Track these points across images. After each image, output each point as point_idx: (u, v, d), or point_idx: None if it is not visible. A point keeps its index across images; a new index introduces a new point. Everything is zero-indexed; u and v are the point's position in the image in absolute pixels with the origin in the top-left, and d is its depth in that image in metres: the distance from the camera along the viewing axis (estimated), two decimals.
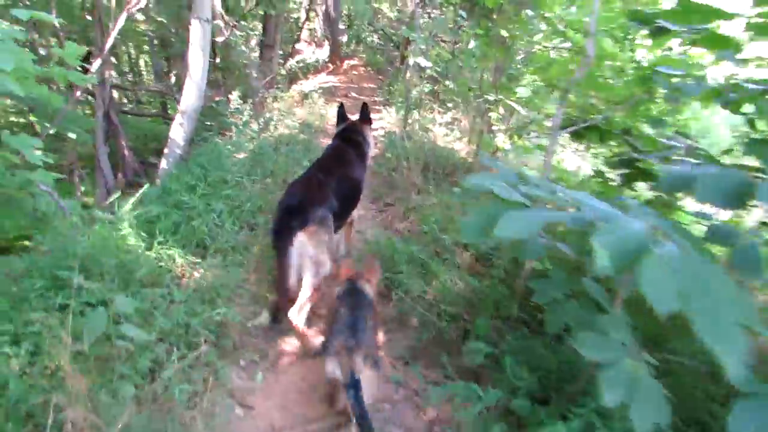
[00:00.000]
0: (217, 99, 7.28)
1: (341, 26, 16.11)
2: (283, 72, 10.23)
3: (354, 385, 2.20)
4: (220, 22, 10.22)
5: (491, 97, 5.08)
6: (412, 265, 3.59)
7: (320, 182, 3.24)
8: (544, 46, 5.30)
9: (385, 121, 8.60)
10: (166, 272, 3.26)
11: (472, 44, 5.93)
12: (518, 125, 5.47)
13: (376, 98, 10.66)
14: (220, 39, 9.90)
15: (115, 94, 13.05)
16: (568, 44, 5.78)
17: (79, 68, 3.65)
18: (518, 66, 5.60)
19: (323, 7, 16.54)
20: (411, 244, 3.81)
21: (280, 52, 11.72)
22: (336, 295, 2.71)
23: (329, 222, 3.09)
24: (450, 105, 8.56)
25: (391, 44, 13.75)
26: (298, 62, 11.82)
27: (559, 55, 5.40)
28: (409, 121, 7.00)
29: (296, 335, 3.04)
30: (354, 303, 2.55)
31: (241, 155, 5.95)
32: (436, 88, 10.20)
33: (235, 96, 7.85)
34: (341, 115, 4.35)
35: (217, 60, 12.03)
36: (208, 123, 6.94)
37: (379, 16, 18.38)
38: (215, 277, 3.35)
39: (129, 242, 3.38)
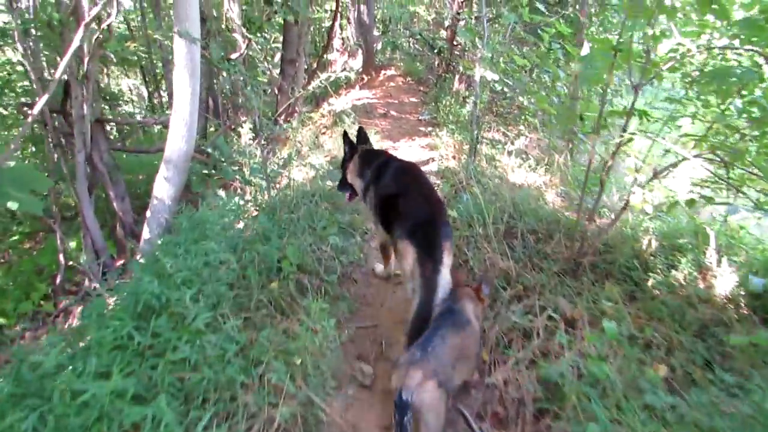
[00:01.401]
0: (212, 138, 5.29)
1: (375, 32, 14.06)
2: (309, 89, 8.18)
3: (400, 405, 1.84)
4: (237, 36, 8.28)
5: (620, 134, 2.90)
6: None
7: (434, 196, 2.98)
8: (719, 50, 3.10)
9: (437, 152, 6.45)
10: None
11: (585, 49, 3.72)
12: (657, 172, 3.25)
13: (421, 117, 8.51)
14: (235, 56, 7.97)
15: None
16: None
17: None
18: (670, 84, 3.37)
19: (355, 13, 14.51)
20: None
21: (306, 67, 9.70)
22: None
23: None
24: (522, 127, 6.35)
25: (435, 50, 11.54)
26: (327, 78, 9.76)
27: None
28: (474, 158, 4.84)
29: None
30: (440, 321, 2.26)
31: (242, 225, 3.95)
32: (489, 98, 7.98)
33: (246, 129, 5.89)
34: (351, 143, 3.70)
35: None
36: (206, 172, 4.95)
37: (415, 20, 16.21)
38: None
39: None
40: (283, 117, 7.57)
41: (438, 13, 16.72)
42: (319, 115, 8.48)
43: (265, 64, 9.94)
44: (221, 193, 5.02)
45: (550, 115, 5.30)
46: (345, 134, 3.73)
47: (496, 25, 5.74)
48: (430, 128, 7.75)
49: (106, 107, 11.34)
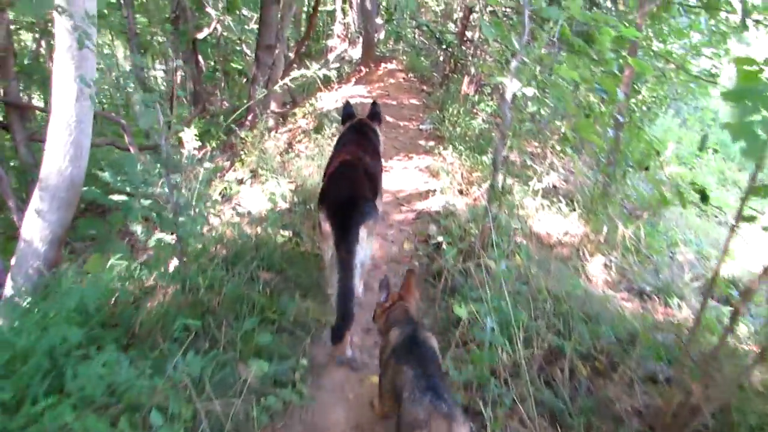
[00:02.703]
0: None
1: (378, 20, 12.27)
2: (278, 87, 6.39)
3: None
4: (211, 11, 6.56)
5: None
6: None
7: (362, 174, 2.71)
8: None
9: (439, 181, 4.80)
10: None
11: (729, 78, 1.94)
12: None
13: (422, 126, 6.83)
14: (202, 35, 6.28)
15: None
16: None
17: None
18: None
19: None
20: None
21: (291, 55, 7.94)
22: (392, 345, 1.95)
23: (378, 218, 2.69)
24: (552, 160, 4.72)
25: (442, 45, 9.80)
26: (303, 75, 7.93)
27: None
28: (495, 210, 3.21)
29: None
30: (420, 358, 1.82)
31: None
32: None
33: (190, 136, 4.26)
34: (348, 113, 3.46)
35: (215, 66, 8.39)
36: (94, 204, 3.33)
37: (423, 9, 14.37)
38: None
39: None
40: (251, 116, 5.92)
41: (447, 3, 14.92)
42: (302, 113, 6.81)
43: (244, 47, 8.24)
44: (138, 230, 3.41)
45: (599, 149, 3.75)
46: (347, 104, 3.61)
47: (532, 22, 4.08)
48: (431, 143, 6.10)
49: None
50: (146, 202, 3.22)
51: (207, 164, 4.18)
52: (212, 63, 7.92)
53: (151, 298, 2.72)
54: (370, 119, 3.39)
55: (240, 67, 7.58)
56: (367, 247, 2.51)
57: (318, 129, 5.82)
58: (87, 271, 3.05)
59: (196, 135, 4.21)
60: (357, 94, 8.34)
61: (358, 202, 2.48)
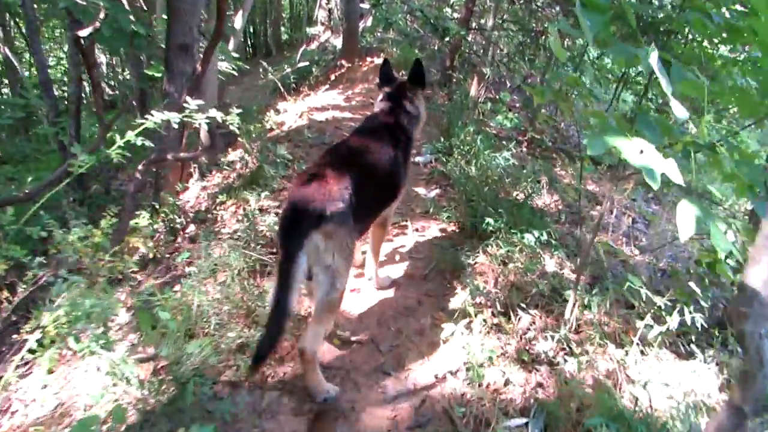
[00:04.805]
0: None
1: (364, 5, 9.88)
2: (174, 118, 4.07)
3: None
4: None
5: None
6: None
7: (338, 173, 2.16)
8: None
9: (459, 313, 2.55)
10: None
11: None
12: None
13: (420, 160, 4.52)
14: (86, 32, 3.94)
15: None
16: None
17: None
18: None
19: None
20: None
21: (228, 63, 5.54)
22: None
23: (350, 222, 2.12)
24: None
25: (442, 35, 7.39)
26: (275, 70, 5.50)
27: None
28: None
29: (305, 369, 2.02)
30: None
31: None
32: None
33: None
34: (386, 75, 2.85)
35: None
36: None
37: None
38: None
39: None
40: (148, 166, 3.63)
41: None
42: (240, 147, 4.52)
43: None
44: None
45: None
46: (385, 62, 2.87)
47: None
48: (435, 191, 3.85)
49: None
50: None
51: None
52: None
53: None
54: (411, 83, 2.74)
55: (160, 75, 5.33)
56: (331, 257, 1.99)
57: (254, 181, 3.55)
58: None
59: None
60: (330, 103, 6.03)
61: (317, 202, 1.96)
